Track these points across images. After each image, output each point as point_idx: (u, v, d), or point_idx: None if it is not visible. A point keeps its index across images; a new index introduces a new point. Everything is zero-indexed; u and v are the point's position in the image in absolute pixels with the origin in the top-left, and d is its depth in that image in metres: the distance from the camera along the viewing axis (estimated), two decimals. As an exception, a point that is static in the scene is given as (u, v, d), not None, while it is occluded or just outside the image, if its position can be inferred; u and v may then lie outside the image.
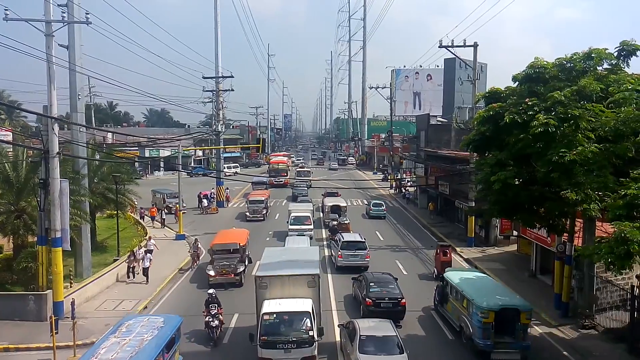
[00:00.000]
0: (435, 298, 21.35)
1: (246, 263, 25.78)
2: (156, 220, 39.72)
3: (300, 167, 74.65)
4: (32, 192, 22.64)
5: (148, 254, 25.78)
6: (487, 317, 16.48)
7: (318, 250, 21.71)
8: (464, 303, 17.97)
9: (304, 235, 30.28)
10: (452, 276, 19.95)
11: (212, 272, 24.04)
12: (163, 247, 32.27)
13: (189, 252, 28.43)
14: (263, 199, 43.33)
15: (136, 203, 39.25)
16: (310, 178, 62.88)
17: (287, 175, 66.22)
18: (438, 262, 25.85)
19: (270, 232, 36.91)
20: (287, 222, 34.40)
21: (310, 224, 34.19)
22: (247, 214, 42.21)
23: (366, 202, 48.44)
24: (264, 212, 42.60)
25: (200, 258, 28.51)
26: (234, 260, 24.71)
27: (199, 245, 28.99)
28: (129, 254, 26.07)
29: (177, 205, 38.87)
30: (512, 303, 17.21)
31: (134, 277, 25.40)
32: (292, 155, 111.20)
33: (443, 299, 20.42)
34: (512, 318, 16.70)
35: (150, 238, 29.86)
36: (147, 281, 24.91)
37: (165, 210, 42.15)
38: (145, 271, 25.13)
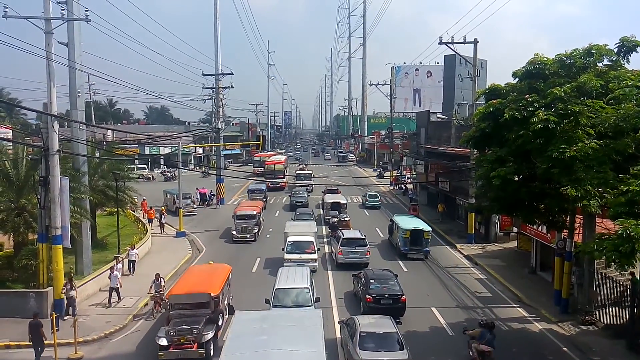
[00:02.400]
0: (388, 232, 33.81)
1: (222, 320, 17.89)
2: (157, 219, 37.32)
3: (300, 169, 66.84)
4: (32, 189, 22.65)
5: (116, 272, 21.81)
6: (406, 234, 29.30)
7: (321, 318, 14.71)
8: (397, 230, 30.74)
9: (304, 266, 23.40)
10: (396, 217, 32.50)
11: (164, 342, 15.94)
12: (163, 245, 32.41)
13: (149, 293, 20.86)
14: (254, 213, 34.31)
15: (138, 202, 38.83)
16: (312, 182, 55.56)
17: (284, 177, 59.21)
18: (410, 213, 39.61)
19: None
20: (283, 250, 26.52)
21: (314, 252, 26.29)
22: (234, 232, 33.33)
23: (363, 195, 50.28)
24: (256, 230, 33.70)
25: (166, 298, 19.06)
26: (199, 320, 16.52)
27: (163, 283, 21.21)
28: (65, 282, 19.92)
29: (163, 207, 38.20)
30: (419, 227, 29.68)
31: (72, 314, 19.28)
32: (283, 152, 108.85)
33: (391, 232, 33.05)
34: (420, 235, 29.22)
35: (133, 247, 26.74)
36: (109, 302, 21.28)
37: (165, 213, 38.39)
38: (112, 292, 21.45)
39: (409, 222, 30.61)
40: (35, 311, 17.50)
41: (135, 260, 26.03)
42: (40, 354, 16.26)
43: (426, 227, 29.70)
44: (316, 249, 26.85)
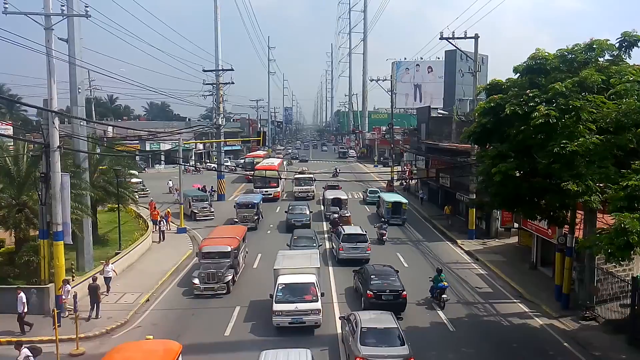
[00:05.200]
0: (377, 206, 41.93)
1: None
2: (160, 226, 33.45)
3: (300, 172, 55.84)
4: (33, 186, 22.65)
5: (22, 294, 17.96)
6: (389, 205, 37.17)
7: None
8: (382, 203, 38.97)
9: (302, 319, 17.87)
10: (381, 194, 42.71)
11: None
12: (164, 242, 32.39)
13: None
14: (228, 249, 23.40)
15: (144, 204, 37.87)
16: (314, 188, 49.04)
17: (277, 186, 48.22)
18: (387, 189, 49.93)
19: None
20: (272, 296, 18.52)
21: (316, 298, 18.34)
22: (195, 280, 22.13)
23: (364, 191, 50.46)
24: (229, 276, 22.38)
25: None
26: None
27: None
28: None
29: (168, 210, 37.71)
30: (399, 200, 38.05)
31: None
32: (282, 150, 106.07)
33: (378, 206, 41.48)
34: (399, 206, 37.18)
35: (108, 262, 22.75)
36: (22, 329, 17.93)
37: (168, 219, 35.24)
38: (19, 319, 17.95)
39: (391, 197, 39.36)
40: (94, 276, 20.83)
41: (111, 278, 22.37)
42: (98, 308, 19.61)
43: (404, 200, 38.28)
44: (319, 293, 18.63)
